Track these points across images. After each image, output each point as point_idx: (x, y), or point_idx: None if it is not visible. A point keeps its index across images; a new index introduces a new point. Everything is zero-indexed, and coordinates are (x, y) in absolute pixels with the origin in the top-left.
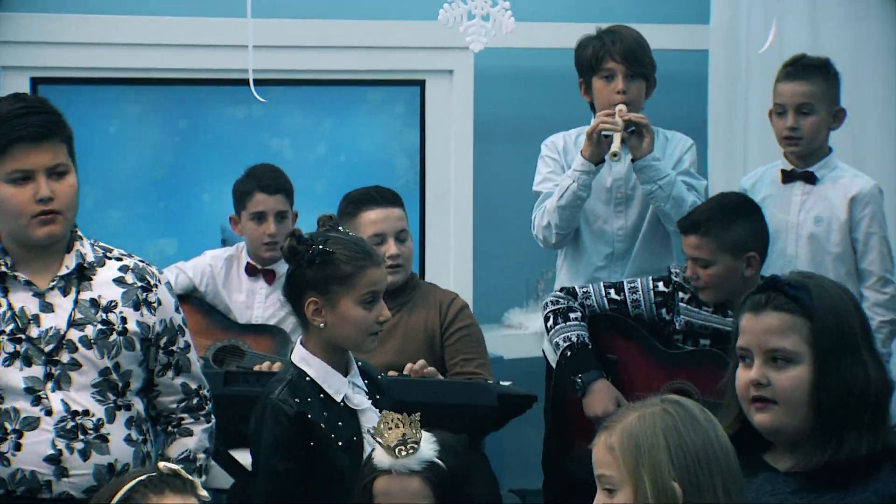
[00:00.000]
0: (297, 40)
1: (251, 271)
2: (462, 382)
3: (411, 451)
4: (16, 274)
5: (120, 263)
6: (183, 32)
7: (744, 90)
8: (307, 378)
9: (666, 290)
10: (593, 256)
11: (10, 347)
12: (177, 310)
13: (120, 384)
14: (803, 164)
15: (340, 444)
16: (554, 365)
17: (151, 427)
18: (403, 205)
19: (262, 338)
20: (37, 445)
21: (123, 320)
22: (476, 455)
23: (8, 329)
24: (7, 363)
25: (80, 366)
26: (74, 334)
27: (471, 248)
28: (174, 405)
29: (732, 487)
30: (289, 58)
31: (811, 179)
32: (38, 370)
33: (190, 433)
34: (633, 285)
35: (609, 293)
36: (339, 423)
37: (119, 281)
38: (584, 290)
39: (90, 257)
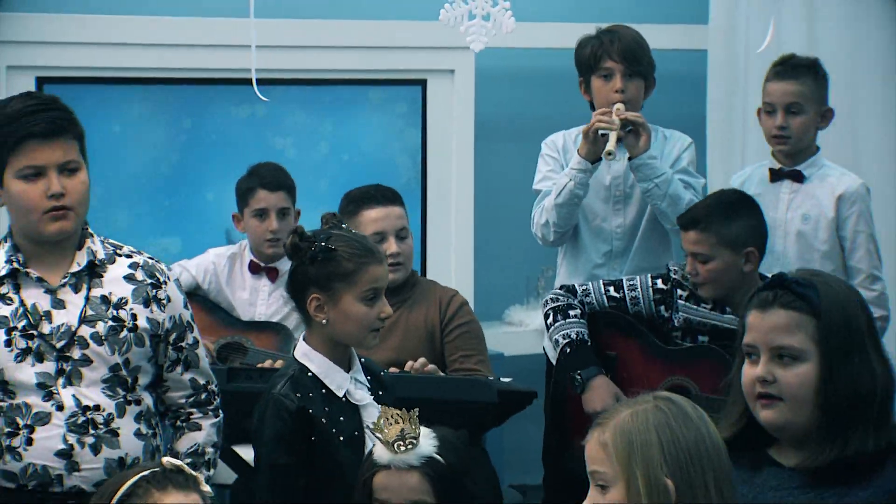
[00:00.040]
0: (300, 40)
1: (254, 269)
2: (463, 379)
3: (410, 446)
4: (28, 271)
5: (130, 260)
6: (187, 32)
7: (742, 90)
8: (309, 373)
9: (664, 287)
10: (592, 254)
11: (22, 343)
12: (185, 306)
13: (129, 380)
14: (791, 163)
15: (342, 438)
16: (554, 362)
17: (160, 422)
18: (403, 203)
19: (265, 335)
20: (48, 440)
21: (134, 317)
22: (476, 451)
23: (20, 325)
24: (19, 359)
25: (91, 362)
26: (86, 331)
27: (472, 246)
28: (183, 400)
29: (724, 484)
30: (292, 57)
31: (799, 178)
32: (49, 366)
33: (198, 427)
34: (632, 283)
35: (608, 291)
36: (341, 418)
37: (129, 278)
38: (584, 287)
39: (101, 254)
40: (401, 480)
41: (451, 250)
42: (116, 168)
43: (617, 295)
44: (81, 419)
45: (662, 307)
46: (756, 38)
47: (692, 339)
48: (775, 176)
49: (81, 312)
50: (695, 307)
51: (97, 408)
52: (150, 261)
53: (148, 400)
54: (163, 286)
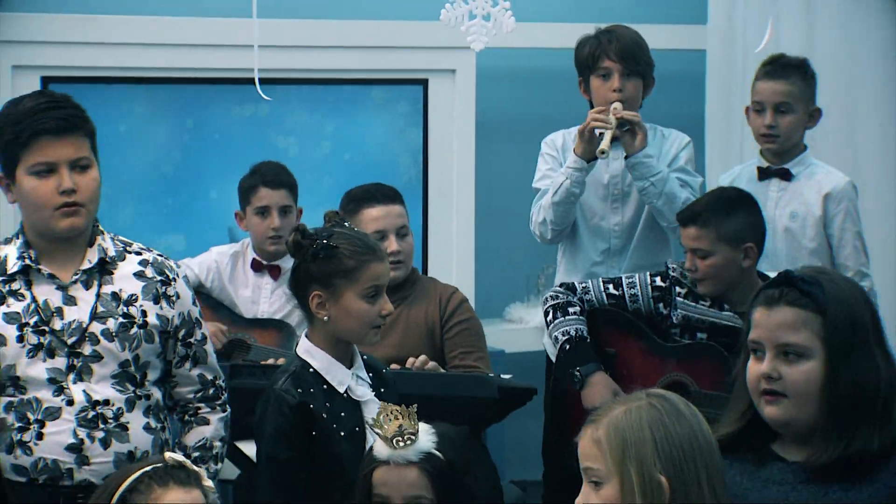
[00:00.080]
0: (303, 40)
1: (257, 267)
2: (464, 375)
3: (409, 441)
4: (39, 267)
5: (140, 258)
6: (190, 32)
7: (740, 89)
8: (311, 369)
9: (663, 284)
10: (590, 252)
11: (34, 339)
12: (194, 303)
13: (138, 376)
14: (779, 162)
15: (343, 434)
16: (553, 359)
17: (168, 415)
18: (404, 201)
19: (267, 332)
20: (58, 435)
21: (144, 313)
22: (477, 446)
23: (32, 321)
24: (31, 355)
25: (102, 358)
26: (97, 327)
27: (473, 244)
28: (191, 395)
29: (716, 480)
30: (294, 57)
31: (787, 176)
32: (60, 362)
33: (207, 422)
34: (631, 280)
35: (608, 288)
36: (342, 414)
37: (139, 275)
38: (584, 285)
39: (111, 251)
40: (399, 476)
41: (453, 248)
42: (120, 167)
43: (616, 292)
44: (91, 414)
45: (661, 304)
46: (754, 38)
47: (690, 336)
48: (763, 174)
49: (92, 309)
50: (693, 304)
51: (107, 402)
52: (159, 258)
53: (157, 394)
54: (172, 283)
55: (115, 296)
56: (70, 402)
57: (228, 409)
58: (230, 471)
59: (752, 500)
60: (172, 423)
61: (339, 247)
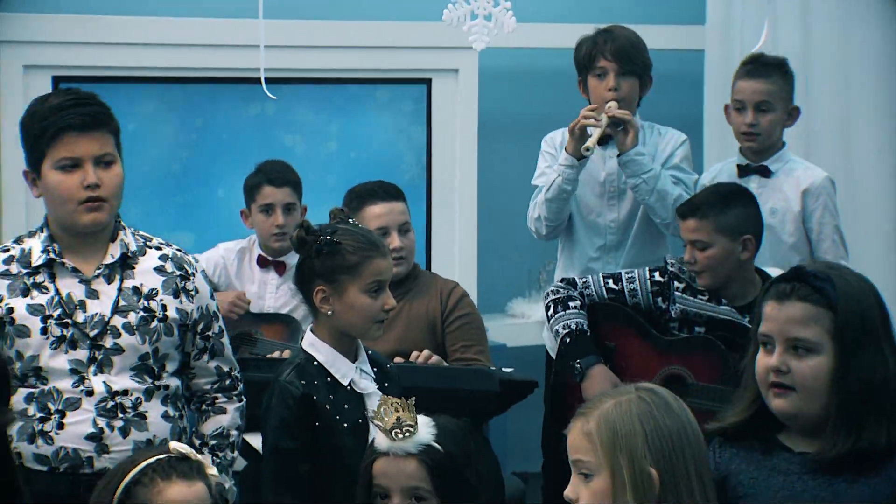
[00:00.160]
0: (308, 40)
1: (263, 263)
2: (466, 369)
3: (407, 433)
4: (63, 261)
5: (160, 253)
6: (198, 33)
7: None
8: (315, 362)
9: (662, 279)
10: (587, 248)
11: (57, 331)
12: (211, 297)
13: (156, 368)
14: (758, 159)
15: (346, 425)
16: (552, 354)
17: (186, 405)
18: (405, 199)
19: (274, 326)
20: (79, 425)
21: (164, 307)
22: (478, 439)
23: (55, 314)
24: (54, 346)
25: (123, 351)
26: (118, 320)
27: (475, 240)
28: (208, 386)
29: (704, 473)
30: (300, 57)
31: (766, 173)
32: (82, 353)
33: (224, 411)
34: (630, 275)
35: (607, 283)
36: (345, 406)
37: (159, 270)
38: (584, 280)
39: (133, 247)
40: (398, 467)
41: (456, 245)
42: (130, 165)
43: (616, 287)
44: (110, 404)
45: (660, 299)
46: (751, 38)
47: (689, 330)
48: (743, 171)
49: (114, 303)
50: (691, 299)
51: (125, 392)
52: (178, 253)
53: (174, 383)
54: (191, 277)
55: (137, 290)
56: (90, 393)
57: (244, 400)
58: (237, 462)
59: (758, 488)
60: (189, 413)
61: (342, 243)
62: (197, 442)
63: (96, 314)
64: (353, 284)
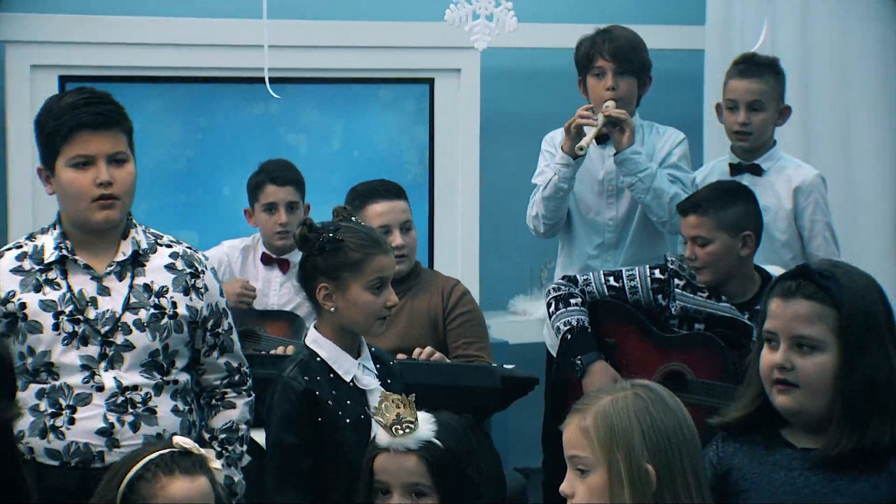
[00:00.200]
0: (311, 40)
1: (266, 261)
2: (468, 365)
3: (407, 430)
4: (75, 258)
5: (170, 250)
6: (203, 33)
7: None
8: (318, 358)
9: (662, 277)
10: (585, 246)
11: (68, 328)
12: (221, 294)
13: (165, 364)
14: (749, 158)
15: (348, 421)
16: (552, 351)
17: (195, 399)
18: (407, 197)
19: (277, 323)
20: (90, 420)
21: (174, 305)
22: (479, 435)
23: (67, 310)
24: (65, 342)
25: (133, 347)
26: (129, 317)
27: (477, 238)
28: (218, 382)
29: (699, 470)
30: (303, 57)
31: (758, 171)
32: (93, 350)
33: (233, 406)
34: (630, 273)
35: (608, 280)
36: (348, 402)
37: (170, 267)
38: (585, 277)
39: (144, 244)
40: (399, 463)
41: (458, 243)
42: (136, 164)
43: (616, 284)
44: (121, 399)
45: (660, 296)
46: (751, 38)
47: (688, 327)
48: (735, 170)
49: (125, 300)
50: (691, 296)
51: (135, 388)
52: (188, 250)
53: (183, 378)
54: (201, 275)
55: (147, 287)
56: (100, 389)
57: (253, 395)
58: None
59: (759, 483)
60: (200, 409)
61: (344, 240)
62: (206, 436)
63: (108, 311)
64: (355, 281)
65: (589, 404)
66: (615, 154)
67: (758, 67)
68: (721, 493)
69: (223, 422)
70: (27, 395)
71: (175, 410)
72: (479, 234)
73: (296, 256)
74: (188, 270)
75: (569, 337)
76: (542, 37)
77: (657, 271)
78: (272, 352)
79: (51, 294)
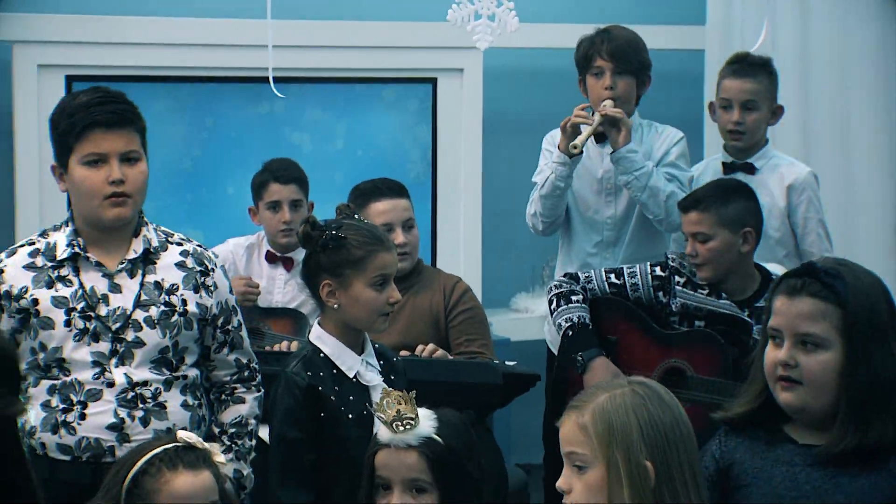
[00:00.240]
0: (315, 40)
1: (271, 259)
2: (469, 362)
3: (407, 426)
4: (87, 255)
5: (181, 248)
6: (208, 33)
7: None
8: (321, 354)
9: (663, 274)
10: (584, 244)
11: (80, 324)
12: (230, 291)
13: (175, 361)
14: (742, 157)
15: (350, 417)
16: (552, 348)
17: (204, 394)
18: (409, 196)
19: (282, 320)
20: (100, 416)
21: (184, 302)
22: (481, 431)
23: (79, 307)
24: (77, 339)
25: (144, 344)
26: (140, 314)
27: (480, 236)
28: (228, 378)
29: (696, 465)
30: (307, 57)
31: (751, 170)
32: (104, 346)
33: (242, 401)
34: (631, 270)
35: (609, 278)
36: (351, 398)
37: (180, 265)
38: (587, 275)
39: (155, 242)
40: (399, 459)
41: (461, 241)
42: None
43: (618, 282)
44: (131, 394)
45: (661, 293)
46: (751, 38)
47: (689, 324)
48: (728, 169)
49: (136, 297)
50: (692, 293)
51: (145, 383)
52: (198, 248)
53: (193, 373)
54: (211, 273)
55: (158, 285)
56: (111, 385)
57: (262, 390)
58: None
59: (760, 478)
60: (210, 404)
61: (347, 237)
62: (216, 430)
63: (118, 308)
64: (358, 278)
65: (586, 401)
66: (611, 153)
67: (751, 67)
68: (723, 488)
69: (233, 416)
70: (39, 391)
71: (185, 405)
72: (481, 232)
73: (300, 255)
74: (198, 268)
75: (570, 333)
76: (543, 37)
77: (658, 268)
78: (276, 346)
79: (63, 291)
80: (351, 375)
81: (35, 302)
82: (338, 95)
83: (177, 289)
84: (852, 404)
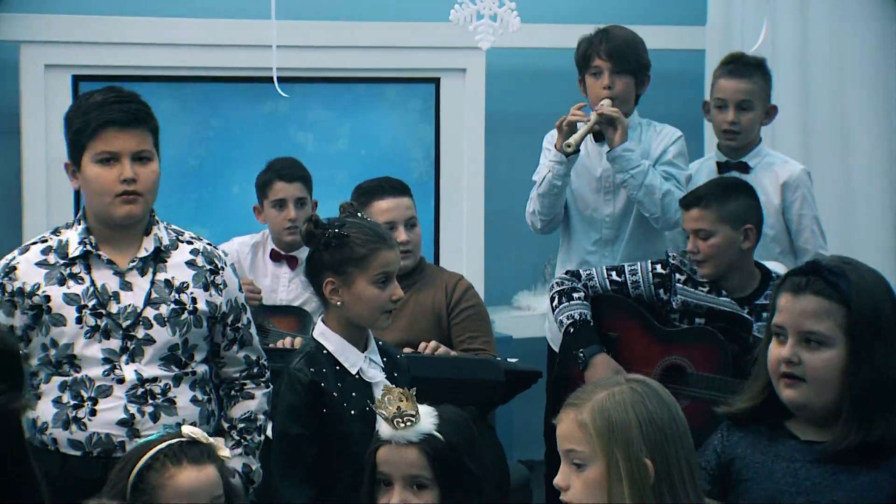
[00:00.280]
0: (319, 40)
1: (275, 257)
2: (472, 359)
3: (408, 423)
4: (99, 253)
5: (191, 247)
6: (213, 33)
7: None
8: (325, 351)
9: (663, 272)
10: (584, 242)
11: (91, 321)
12: (239, 289)
13: (184, 358)
14: (736, 156)
15: (353, 413)
16: (552, 346)
17: (214, 390)
18: (412, 194)
19: (286, 318)
20: (111, 411)
21: (194, 300)
22: (483, 427)
23: (90, 304)
24: (88, 336)
25: (154, 341)
26: (150, 312)
27: (482, 235)
28: (237, 374)
29: (693, 462)
30: (311, 57)
31: (745, 169)
32: (115, 343)
33: (252, 397)
34: (633, 268)
35: (611, 275)
36: (353, 394)
37: (190, 264)
38: (588, 272)
39: (165, 241)
40: (400, 455)
41: (463, 239)
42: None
43: (619, 279)
44: (140, 391)
45: (662, 290)
46: (751, 38)
47: (689, 321)
48: (723, 168)
49: (147, 295)
50: (692, 290)
51: (155, 380)
52: (208, 247)
53: (202, 369)
54: (220, 271)
55: (168, 283)
56: (121, 381)
57: (271, 386)
58: None
59: (761, 473)
60: (219, 400)
61: (350, 235)
62: (226, 425)
63: (129, 305)
64: (361, 276)
65: (584, 399)
66: (608, 151)
67: (746, 67)
68: (723, 482)
69: (242, 412)
70: (50, 387)
71: (194, 400)
72: (483, 230)
73: (304, 253)
74: (208, 267)
75: (571, 330)
76: (545, 37)
77: (659, 266)
78: (279, 343)
79: (74, 288)
80: (354, 372)
81: (47, 299)
82: (341, 95)
83: (187, 287)
84: (856, 402)
